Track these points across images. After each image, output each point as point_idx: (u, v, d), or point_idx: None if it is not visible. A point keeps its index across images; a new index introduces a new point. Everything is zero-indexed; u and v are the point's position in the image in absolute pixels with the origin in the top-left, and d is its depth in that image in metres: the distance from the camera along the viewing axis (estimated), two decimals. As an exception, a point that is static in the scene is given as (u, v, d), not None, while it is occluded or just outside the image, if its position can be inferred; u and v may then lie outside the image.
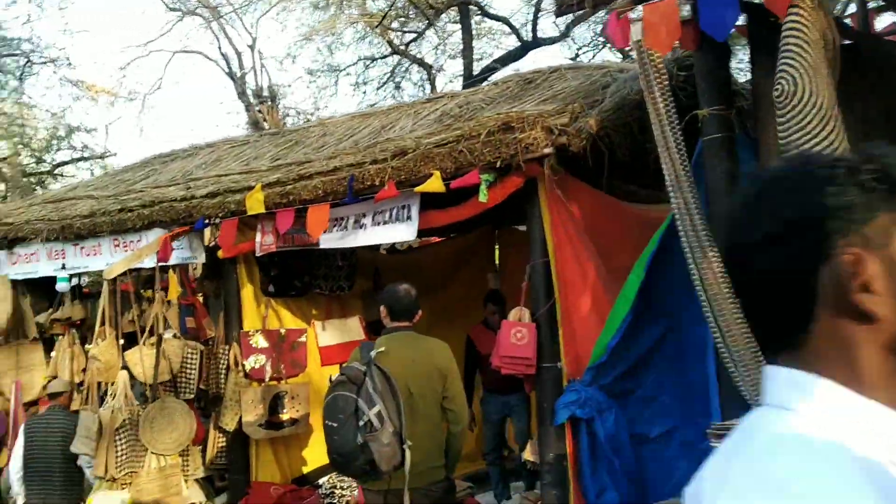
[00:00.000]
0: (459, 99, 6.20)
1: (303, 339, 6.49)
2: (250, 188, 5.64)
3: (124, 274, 5.94)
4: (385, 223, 4.92)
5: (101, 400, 6.44)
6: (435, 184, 4.55)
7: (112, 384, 5.67)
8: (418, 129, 5.62)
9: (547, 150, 4.21)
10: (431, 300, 7.80)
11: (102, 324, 5.69)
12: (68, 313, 6.73)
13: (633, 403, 4.30)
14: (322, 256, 6.84)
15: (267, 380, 6.14)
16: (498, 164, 4.38)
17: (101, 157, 19.46)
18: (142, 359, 5.73)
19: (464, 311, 7.54)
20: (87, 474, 5.76)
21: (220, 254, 6.02)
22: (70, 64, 22.37)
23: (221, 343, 6.17)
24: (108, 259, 6.54)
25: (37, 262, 7.18)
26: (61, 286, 6.71)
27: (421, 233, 5.13)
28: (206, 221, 5.78)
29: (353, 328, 7.05)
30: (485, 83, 7.68)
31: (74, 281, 6.97)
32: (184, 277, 6.26)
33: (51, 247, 6.99)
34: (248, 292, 6.19)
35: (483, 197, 4.43)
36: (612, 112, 4.34)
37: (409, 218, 4.78)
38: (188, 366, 5.97)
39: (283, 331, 6.36)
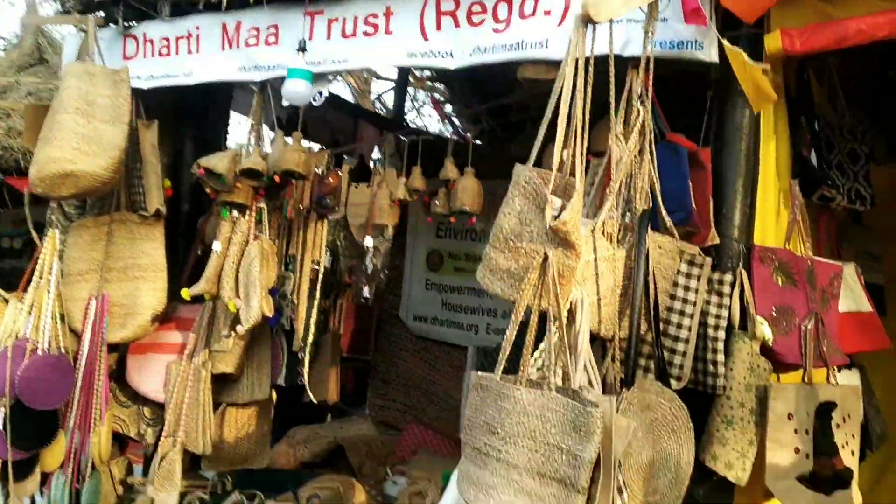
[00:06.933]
0: None
1: (836, 285, 2.80)
2: None
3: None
4: None
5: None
6: None
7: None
8: None
9: None
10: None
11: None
12: (294, 160, 2.94)
13: None
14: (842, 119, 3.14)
15: (807, 371, 2.43)
16: None
17: None
18: (597, 273, 1.99)
19: None
20: None
21: (772, 44, 2.29)
22: None
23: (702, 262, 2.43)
24: (399, 44, 2.80)
25: (195, 53, 3.42)
26: (294, 89, 2.88)
27: None
28: None
29: (853, 288, 3.32)
30: None
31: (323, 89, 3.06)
32: (654, 98, 2.48)
33: (239, 18, 3.24)
34: (769, 160, 2.49)
35: None
36: None
37: None
38: (680, 302, 2.23)
39: (809, 261, 2.67)
